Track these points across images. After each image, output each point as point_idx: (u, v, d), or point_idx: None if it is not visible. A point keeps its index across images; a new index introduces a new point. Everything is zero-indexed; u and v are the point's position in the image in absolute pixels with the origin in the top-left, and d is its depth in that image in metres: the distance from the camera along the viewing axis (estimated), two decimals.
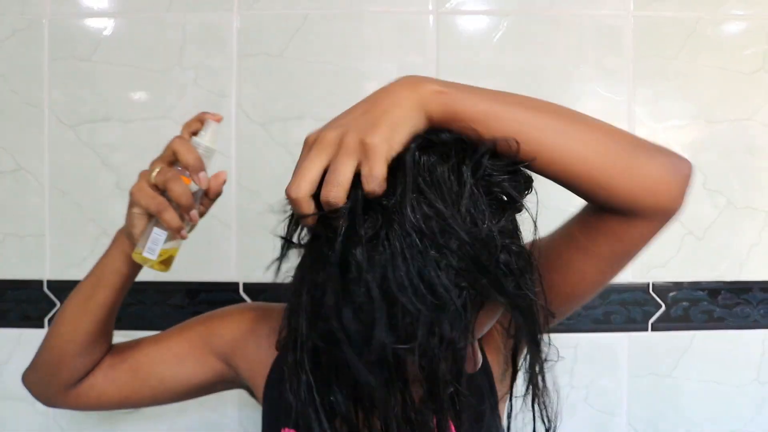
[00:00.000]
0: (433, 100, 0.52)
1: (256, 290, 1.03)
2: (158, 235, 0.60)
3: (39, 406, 1.05)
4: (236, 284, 1.03)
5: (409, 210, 0.47)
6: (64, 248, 1.04)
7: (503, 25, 1.03)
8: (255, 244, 1.02)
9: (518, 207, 0.52)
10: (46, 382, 0.69)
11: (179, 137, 0.61)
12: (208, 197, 0.63)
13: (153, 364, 0.70)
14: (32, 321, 1.04)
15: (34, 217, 1.04)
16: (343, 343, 0.48)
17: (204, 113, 0.63)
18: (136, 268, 0.65)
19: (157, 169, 0.60)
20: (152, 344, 0.71)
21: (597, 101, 1.03)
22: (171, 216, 0.58)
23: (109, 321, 0.68)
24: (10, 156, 1.04)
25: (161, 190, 0.59)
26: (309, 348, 0.52)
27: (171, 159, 0.61)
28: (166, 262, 0.61)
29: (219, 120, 0.63)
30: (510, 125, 0.54)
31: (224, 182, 0.63)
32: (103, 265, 0.66)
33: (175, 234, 0.60)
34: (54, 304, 1.04)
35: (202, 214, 0.63)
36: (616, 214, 0.58)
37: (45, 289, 1.04)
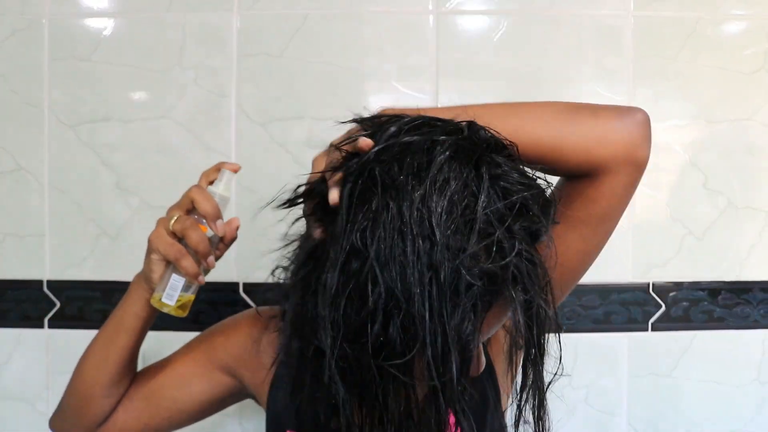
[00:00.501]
0: None
1: (256, 290, 1.03)
2: (176, 281, 0.62)
3: (39, 405, 1.06)
4: (236, 284, 1.03)
5: (406, 202, 0.46)
6: (64, 248, 1.04)
7: (503, 25, 1.03)
8: (255, 244, 1.02)
9: (534, 221, 0.50)
10: (73, 425, 0.70)
11: (196, 186, 0.63)
12: (223, 243, 0.65)
13: (163, 389, 0.71)
14: (32, 321, 1.04)
15: (34, 217, 1.04)
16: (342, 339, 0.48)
17: (222, 163, 0.65)
18: (155, 311, 0.66)
19: (175, 217, 0.61)
20: (160, 369, 0.72)
21: (597, 101, 1.03)
22: (189, 263, 0.61)
23: (132, 361, 0.69)
24: (10, 156, 1.04)
25: (179, 238, 0.62)
26: (313, 347, 0.52)
27: (188, 207, 0.62)
28: (183, 307, 0.63)
29: (236, 170, 0.65)
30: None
31: (238, 227, 0.65)
32: (123, 309, 0.67)
33: (193, 280, 0.62)
34: (54, 304, 1.04)
35: (217, 259, 0.65)
36: (583, 177, 0.60)
37: (45, 289, 1.04)
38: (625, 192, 0.61)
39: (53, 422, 0.72)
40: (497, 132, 0.54)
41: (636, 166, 0.60)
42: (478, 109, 0.58)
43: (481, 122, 0.54)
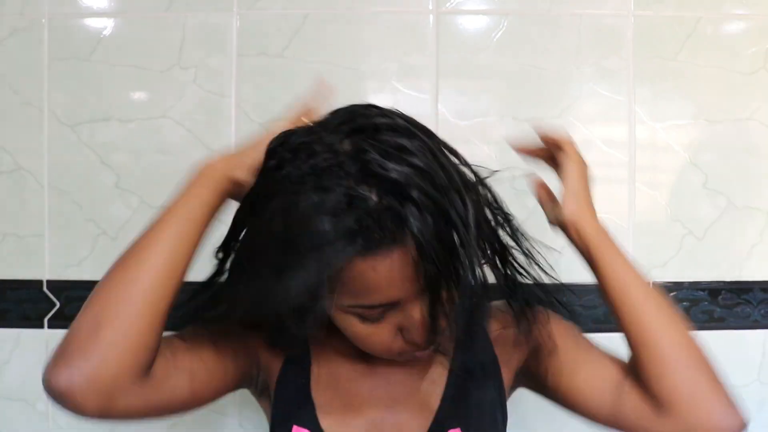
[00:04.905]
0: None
1: None
2: None
3: (39, 406, 1.06)
4: None
5: None
6: (64, 248, 1.04)
7: (503, 24, 1.03)
8: None
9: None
10: (115, 370, 0.51)
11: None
12: None
13: (207, 350, 0.62)
14: (32, 321, 1.04)
15: (34, 216, 1.04)
16: None
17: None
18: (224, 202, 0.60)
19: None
20: (197, 335, 0.63)
21: (597, 101, 1.03)
22: None
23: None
24: (10, 156, 1.04)
25: None
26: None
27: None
28: None
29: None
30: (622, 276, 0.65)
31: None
32: (190, 200, 0.59)
33: None
34: (54, 304, 1.04)
35: None
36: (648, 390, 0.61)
37: (44, 289, 1.04)
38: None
39: (56, 373, 0.51)
40: None
41: None
42: (641, 287, 0.66)
43: (631, 295, 0.64)
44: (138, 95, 1.04)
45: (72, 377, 0.50)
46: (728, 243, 1.05)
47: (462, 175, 0.57)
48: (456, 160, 0.58)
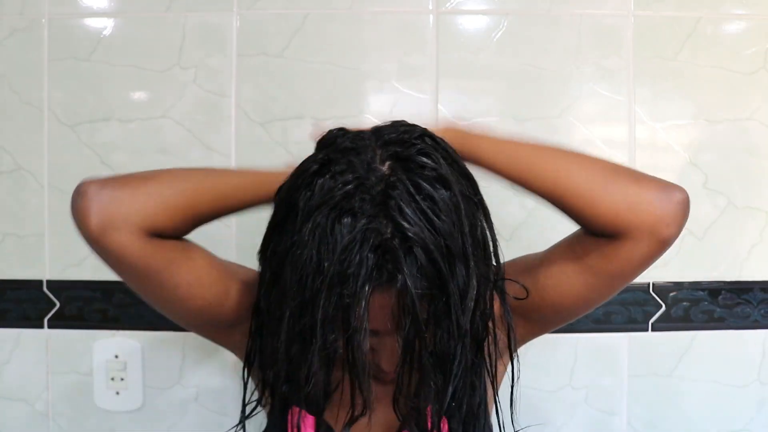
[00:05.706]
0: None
1: None
2: None
3: (39, 406, 1.06)
4: None
5: None
6: (64, 248, 1.04)
7: (503, 24, 1.03)
8: (254, 244, 1.02)
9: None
10: (130, 212, 0.59)
11: None
12: None
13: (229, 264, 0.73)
14: (32, 321, 1.04)
15: (34, 216, 1.04)
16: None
17: None
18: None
19: None
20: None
21: (597, 101, 1.03)
22: None
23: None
24: (10, 156, 1.04)
25: None
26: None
27: None
28: None
29: None
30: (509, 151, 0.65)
31: None
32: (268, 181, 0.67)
33: None
34: (54, 304, 1.04)
35: None
36: (605, 234, 0.61)
37: (44, 289, 1.04)
38: (641, 262, 0.62)
39: (94, 181, 0.59)
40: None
41: (659, 242, 0.61)
42: (527, 147, 0.65)
43: (524, 160, 0.63)
44: (138, 95, 1.04)
45: (100, 192, 0.58)
46: (728, 243, 1.05)
47: (480, 244, 0.57)
48: (485, 224, 0.59)
